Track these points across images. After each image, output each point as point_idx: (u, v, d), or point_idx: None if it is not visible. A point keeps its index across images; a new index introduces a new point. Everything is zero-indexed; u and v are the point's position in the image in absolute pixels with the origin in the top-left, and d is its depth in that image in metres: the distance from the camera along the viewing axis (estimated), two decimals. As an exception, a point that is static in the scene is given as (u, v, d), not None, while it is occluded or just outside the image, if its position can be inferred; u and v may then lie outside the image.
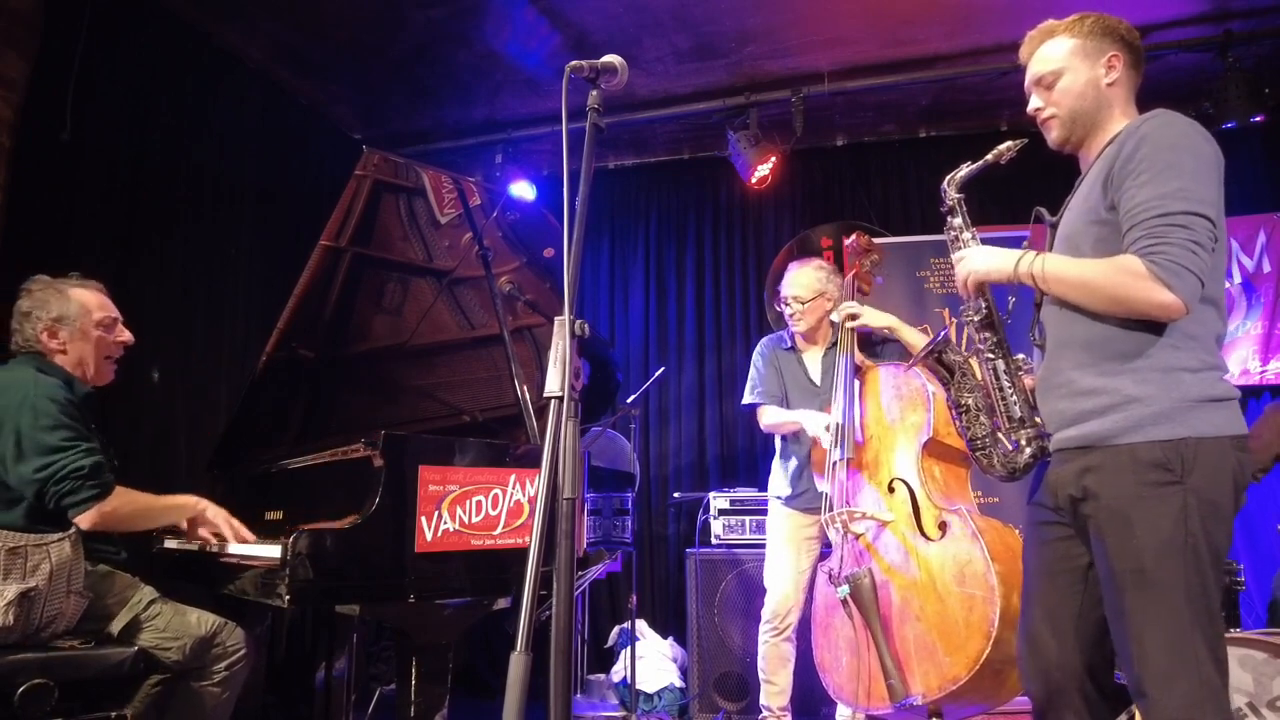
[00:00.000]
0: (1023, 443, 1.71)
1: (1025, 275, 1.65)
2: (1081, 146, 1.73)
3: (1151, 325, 1.53)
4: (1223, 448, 1.48)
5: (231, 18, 3.61)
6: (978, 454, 1.77)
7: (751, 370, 3.16)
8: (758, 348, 3.20)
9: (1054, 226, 1.77)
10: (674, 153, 5.12)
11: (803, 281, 3.02)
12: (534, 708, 1.14)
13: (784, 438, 3.09)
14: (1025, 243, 1.78)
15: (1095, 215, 1.61)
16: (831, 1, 3.62)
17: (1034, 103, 1.75)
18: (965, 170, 1.89)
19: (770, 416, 3.04)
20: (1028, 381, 1.77)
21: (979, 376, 1.81)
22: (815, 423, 2.78)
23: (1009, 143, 1.83)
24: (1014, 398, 1.74)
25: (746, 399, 3.14)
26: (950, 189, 1.90)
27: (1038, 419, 1.71)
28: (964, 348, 1.90)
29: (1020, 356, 1.79)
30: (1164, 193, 1.48)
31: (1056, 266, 1.61)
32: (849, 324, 2.75)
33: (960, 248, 1.85)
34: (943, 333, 1.89)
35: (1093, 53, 1.68)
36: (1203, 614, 1.44)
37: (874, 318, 2.76)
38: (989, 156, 1.85)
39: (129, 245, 3.28)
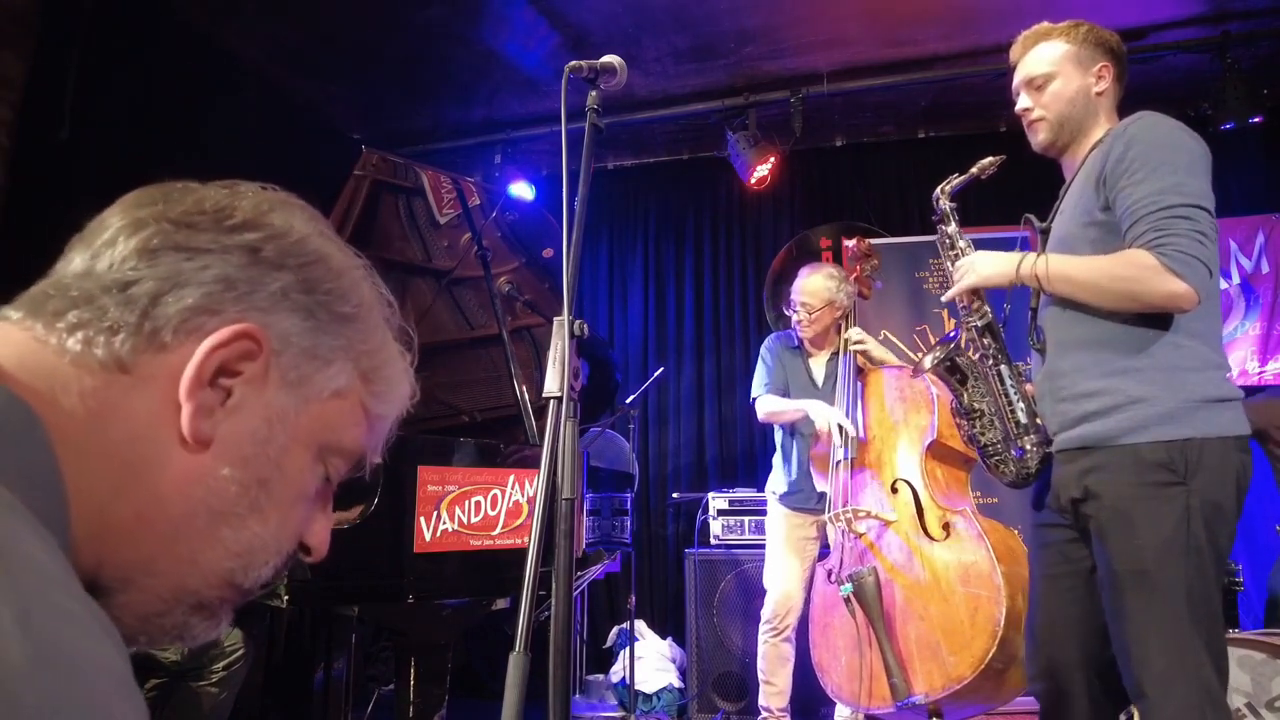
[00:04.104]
0: (1029, 449, 1.71)
1: (1029, 276, 1.66)
2: (1065, 151, 1.76)
3: (1153, 324, 1.54)
4: (1227, 449, 1.48)
5: (231, 17, 3.60)
6: (992, 460, 1.77)
7: (759, 365, 3.17)
8: (765, 343, 3.22)
9: (1044, 233, 1.78)
10: (673, 153, 5.12)
11: (812, 289, 3.02)
12: (533, 708, 1.14)
13: (786, 433, 3.09)
14: (1016, 245, 1.79)
15: (1089, 217, 1.62)
16: (831, 2, 3.62)
17: (1023, 102, 1.77)
18: (954, 182, 1.92)
19: (769, 405, 3.04)
20: (1028, 388, 1.77)
21: (989, 381, 1.81)
22: (823, 413, 2.78)
23: (991, 158, 1.87)
24: (1019, 403, 1.75)
25: (755, 394, 3.15)
26: (942, 199, 1.92)
27: (1039, 422, 1.71)
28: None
29: (1020, 363, 1.80)
30: (1161, 188, 1.49)
31: (1061, 266, 1.62)
32: (853, 348, 2.85)
33: (955, 256, 1.87)
34: (953, 335, 1.89)
35: (1085, 60, 1.70)
36: (1204, 617, 1.44)
37: (875, 350, 2.90)
38: (973, 170, 1.89)
39: (127, 245, 3.27)
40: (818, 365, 3.11)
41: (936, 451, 2.55)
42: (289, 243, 0.55)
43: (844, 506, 2.57)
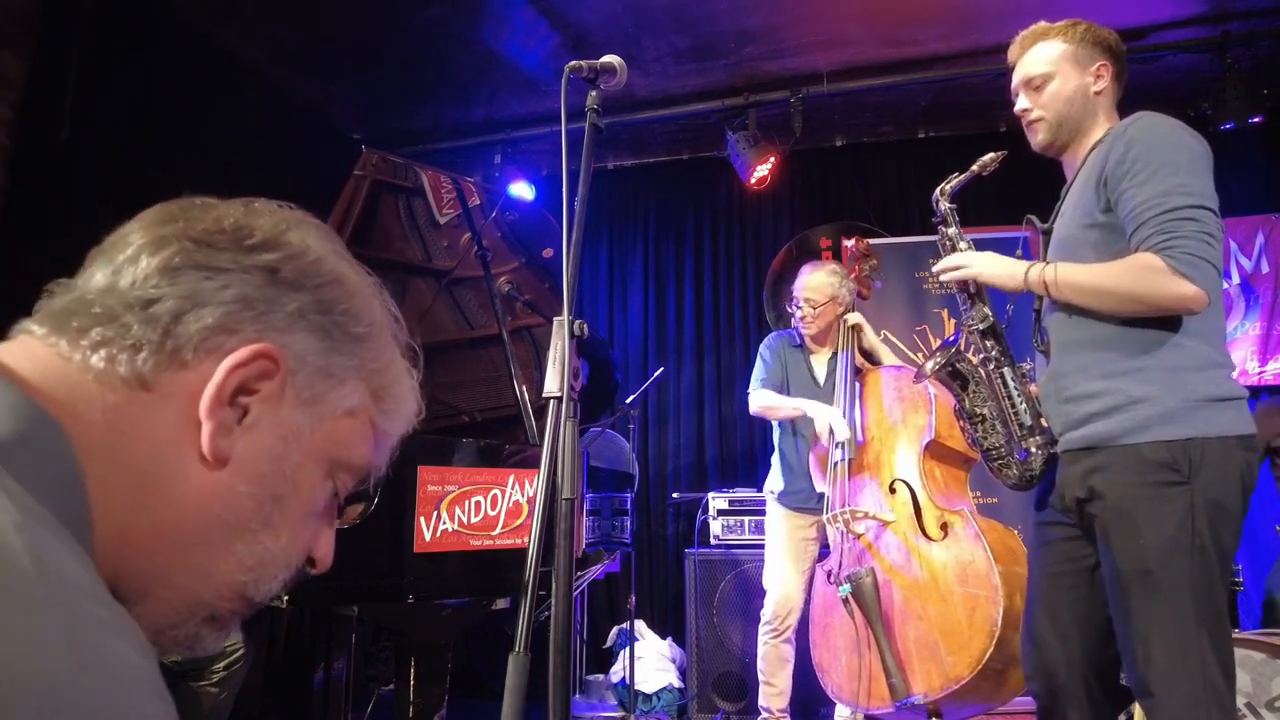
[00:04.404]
0: (1033, 450, 1.71)
1: (1036, 283, 1.66)
2: (1065, 151, 1.76)
3: (1156, 325, 1.54)
4: (1229, 448, 1.48)
5: (231, 17, 3.60)
6: (995, 464, 1.77)
7: (758, 362, 3.17)
8: (766, 340, 3.22)
9: (1046, 233, 1.78)
10: (673, 153, 5.12)
11: (816, 285, 3.02)
12: (533, 708, 1.14)
13: (785, 434, 3.09)
14: (1018, 250, 1.80)
15: (1090, 219, 1.62)
16: (831, 2, 3.62)
17: (1021, 103, 1.77)
18: (955, 181, 1.92)
19: (763, 399, 3.04)
20: (1032, 389, 1.77)
21: (991, 385, 1.81)
22: (823, 413, 2.78)
23: (991, 154, 1.86)
24: (1023, 405, 1.75)
25: (752, 388, 3.15)
26: (942, 199, 1.92)
27: (1044, 423, 1.71)
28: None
29: (1024, 364, 1.80)
30: (1165, 189, 1.49)
31: (1069, 273, 1.61)
32: (849, 326, 2.88)
33: (955, 256, 1.87)
34: (953, 339, 1.89)
35: (1084, 60, 1.70)
36: (1209, 615, 1.44)
37: (869, 336, 2.94)
38: (974, 168, 1.88)
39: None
40: (819, 363, 3.11)
41: (935, 451, 2.55)
42: (306, 263, 0.57)
43: (842, 507, 2.58)
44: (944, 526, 2.36)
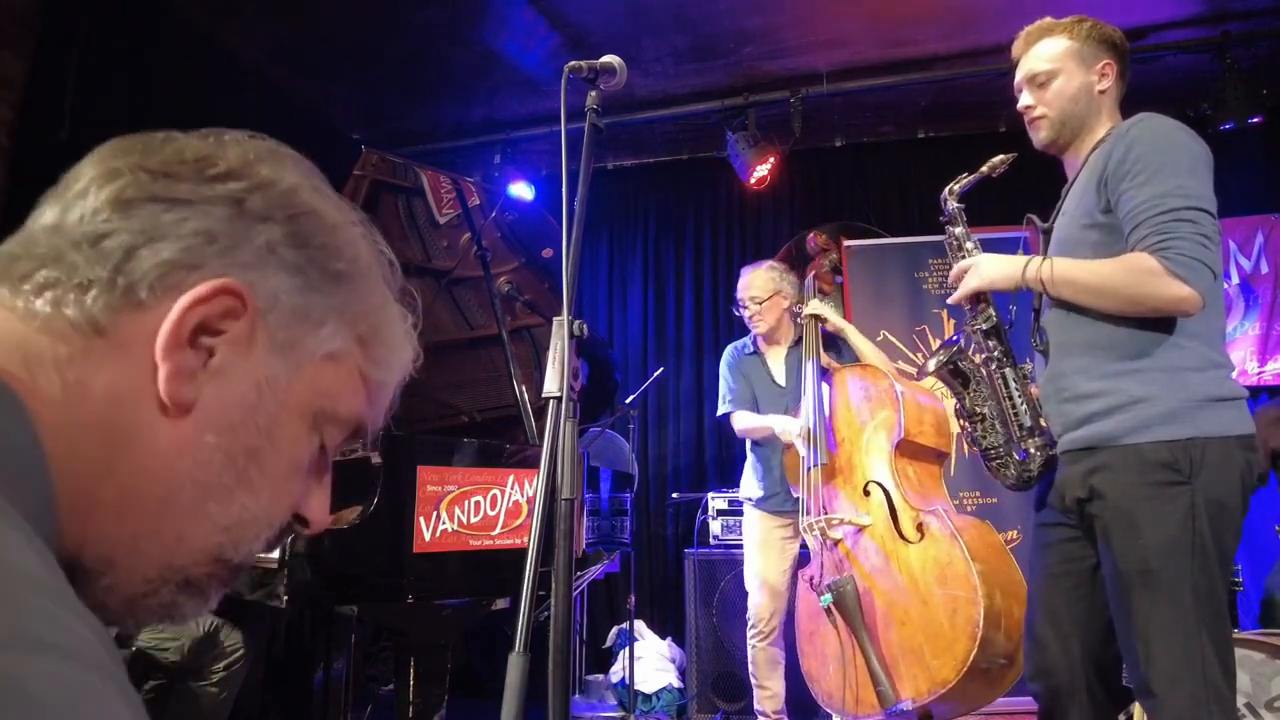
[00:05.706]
0: (1032, 451, 1.71)
1: (1034, 280, 1.66)
2: (1067, 149, 1.75)
3: (1155, 325, 1.54)
4: (1230, 448, 1.49)
5: (231, 17, 3.60)
6: (993, 464, 1.78)
7: (721, 381, 3.18)
8: (724, 356, 3.23)
9: (1046, 233, 1.78)
10: (673, 153, 5.12)
11: (758, 282, 3.05)
12: (532, 708, 1.14)
13: (755, 441, 3.09)
14: (1019, 250, 1.79)
15: (1090, 219, 1.61)
16: (830, 2, 3.62)
17: (1024, 100, 1.76)
18: (964, 181, 1.91)
19: (743, 421, 3.05)
20: (1033, 390, 1.77)
21: (993, 385, 1.81)
22: (787, 427, 2.79)
23: (1001, 156, 1.85)
24: (1023, 406, 1.75)
25: (720, 409, 3.16)
26: (950, 199, 1.91)
27: (1043, 424, 1.72)
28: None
29: (1025, 365, 1.80)
30: (1164, 190, 1.49)
31: (1066, 270, 1.61)
32: (808, 317, 2.86)
33: (962, 256, 1.87)
34: (956, 338, 1.89)
35: (1089, 58, 1.69)
36: (1210, 615, 1.44)
37: (829, 314, 2.89)
38: (984, 169, 1.87)
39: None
40: (776, 363, 3.11)
41: (906, 450, 2.53)
42: (276, 193, 0.51)
43: (817, 516, 2.56)
44: (920, 527, 2.34)
